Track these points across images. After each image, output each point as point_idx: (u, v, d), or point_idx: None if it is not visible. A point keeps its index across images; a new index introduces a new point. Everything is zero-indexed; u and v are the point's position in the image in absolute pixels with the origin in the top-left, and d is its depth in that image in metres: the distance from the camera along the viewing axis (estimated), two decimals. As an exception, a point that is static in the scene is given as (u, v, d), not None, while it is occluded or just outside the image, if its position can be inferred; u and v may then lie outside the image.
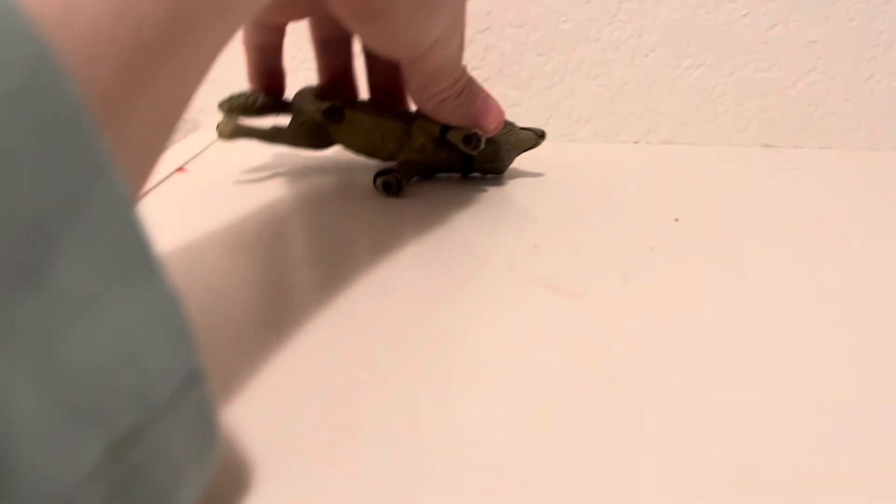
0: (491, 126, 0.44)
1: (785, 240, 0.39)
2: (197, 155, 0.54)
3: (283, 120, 0.50)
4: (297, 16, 0.45)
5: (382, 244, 0.38)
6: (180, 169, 0.50)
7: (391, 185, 0.44)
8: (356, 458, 0.22)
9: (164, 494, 0.14)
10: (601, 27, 0.59)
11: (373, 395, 0.25)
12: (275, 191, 0.47)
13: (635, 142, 0.62)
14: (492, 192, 0.45)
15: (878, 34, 0.58)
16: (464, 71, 0.43)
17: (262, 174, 0.50)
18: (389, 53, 0.38)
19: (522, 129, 0.48)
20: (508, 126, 0.46)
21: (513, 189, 0.47)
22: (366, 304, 0.31)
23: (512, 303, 0.32)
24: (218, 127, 0.47)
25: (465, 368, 0.27)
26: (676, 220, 0.42)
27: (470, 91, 0.43)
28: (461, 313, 0.31)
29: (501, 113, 0.44)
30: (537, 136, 0.48)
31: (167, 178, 0.48)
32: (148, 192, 0.45)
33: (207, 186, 0.47)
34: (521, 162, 0.50)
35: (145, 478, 0.14)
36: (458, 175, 0.48)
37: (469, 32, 0.59)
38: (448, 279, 0.34)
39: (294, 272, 0.36)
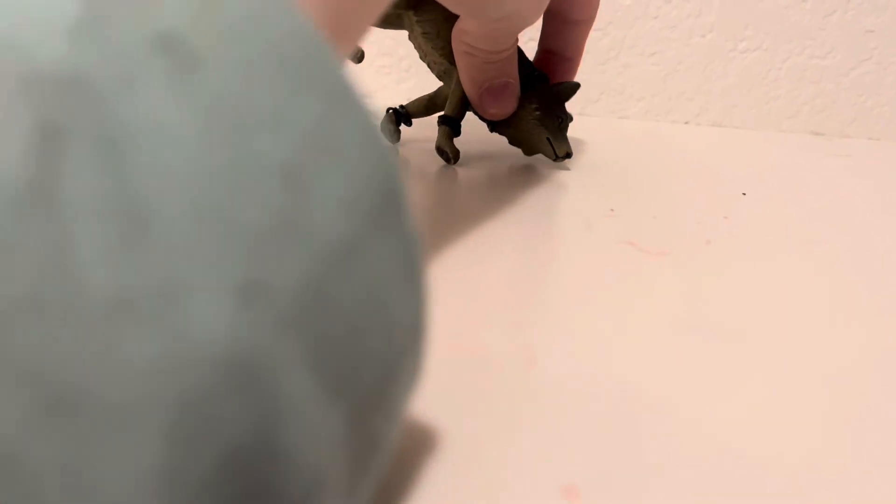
0: (489, 111, 0.41)
1: (845, 218, 0.40)
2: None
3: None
4: None
5: (453, 213, 0.38)
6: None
7: (445, 153, 0.43)
8: (483, 383, 0.22)
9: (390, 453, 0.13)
10: (660, 5, 0.59)
11: (494, 337, 0.25)
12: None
13: (685, 122, 0.62)
14: (549, 165, 0.46)
15: (936, 27, 0.58)
16: (512, 49, 0.39)
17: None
18: (458, 11, 0.35)
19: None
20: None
21: (569, 161, 0.47)
22: (456, 270, 0.31)
23: (599, 258, 0.32)
24: None
25: (571, 316, 0.27)
26: (744, 194, 0.43)
27: (501, 67, 0.39)
28: (555, 268, 0.31)
29: (509, 106, 0.41)
30: (557, 157, 0.43)
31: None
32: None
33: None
34: (574, 133, 0.50)
35: (382, 442, 0.12)
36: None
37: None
38: (531, 240, 0.34)
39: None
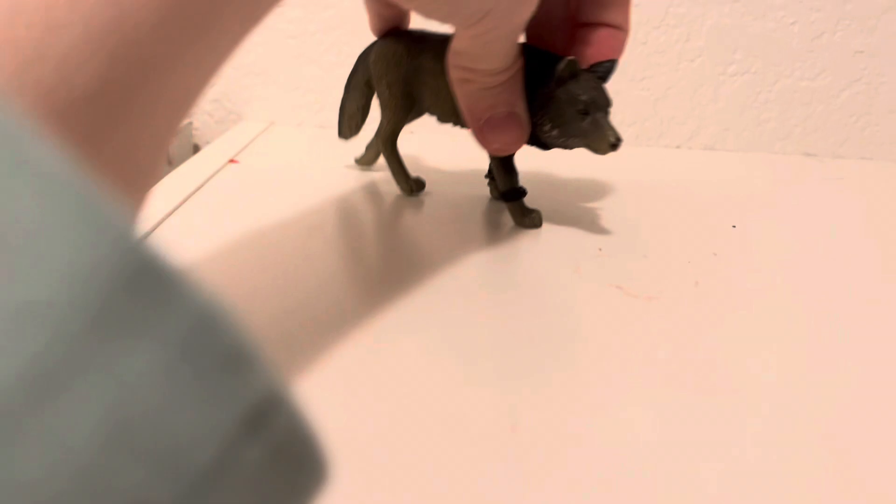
0: (492, 146, 0.38)
1: (838, 248, 0.40)
2: (246, 146, 0.54)
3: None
4: None
5: (433, 248, 0.38)
6: (232, 160, 0.50)
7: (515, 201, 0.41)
8: (458, 451, 0.22)
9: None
10: (648, 31, 0.59)
11: (466, 392, 0.25)
12: (327, 181, 0.47)
13: (677, 146, 0.62)
14: (535, 197, 0.46)
15: (925, 46, 0.58)
16: (513, 69, 0.36)
17: (313, 165, 0.51)
18: (436, 17, 0.32)
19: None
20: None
21: (562, 191, 0.47)
22: (431, 309, 0.31)
23: (587, 304, 0.32)
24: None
25: (555, 373, 0.27)
26: (734, 227, 0.42)
27: (500, 94, 0.36)
28: (540, 312, 0.31)
29: (516, 140, 0.38)
30: (609, 145, 0.36)
31: (220, 169, 0.48)
32: (203, 183, 0.45)
33: (259, 177, 0.47)
34: (566, 163, 0.50)
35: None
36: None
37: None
38: (518, 278, 0.34)
39: (357, 271, 0.36)
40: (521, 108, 0.37)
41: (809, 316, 0.32)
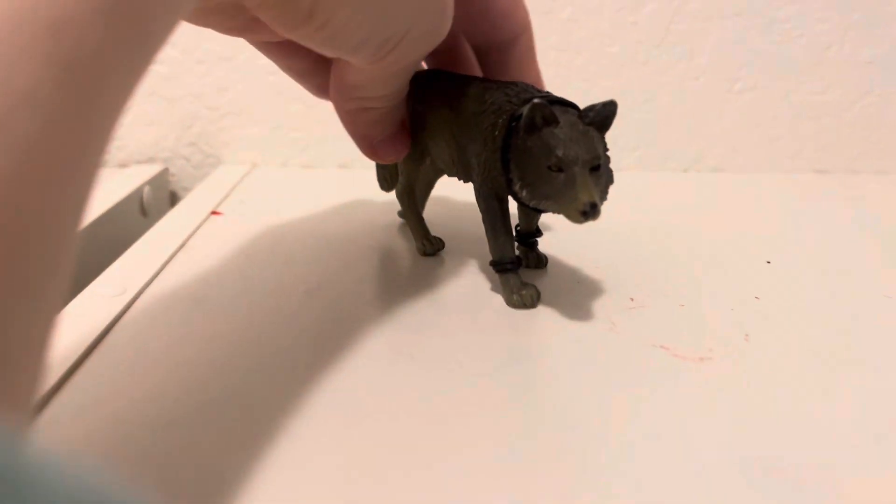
0: (385, 159, 0.37)
1: (883, 277, 0.36)
2: (229, 194, 0.50)
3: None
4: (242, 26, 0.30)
5: (444, 313, 0.35)
6: (215, 212, 0.46)
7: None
8: None
9: None
10: (649, 50, 0.56)
11: (477, 458, 0.21)
12: (321, 231, 0.43)
13: (684, 170, 0.59)
14: (549, 236, 0.42)
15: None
16: (407, 87, 0.35)
17: (302, 211, 0.47)
18: (344, 50, 0.29)
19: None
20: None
21: (569, 228, 0.43)
22: (448, 387, 0.28)
23: (633, 371, 0.28)
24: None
25: (602, 452, 0.23)
26: (768, 262, 0.39)
27: (397, 114, 0.36)
28: (581, 384, 0.27)
29: (405, 147, 0.37)
30: (579, 212, 0.29)
31: (203, 223, 0.44)
32: (186, 240, 0.41)
33: (246, 231, 0.43)
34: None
35: None
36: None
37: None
38: (547, 342, 0.31)
39: (361, 345, 0.32)
40: (405, 120, 0.37)
41: (885, 366, 0.28)
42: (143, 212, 0.53)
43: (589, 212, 0.29)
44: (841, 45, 0.56)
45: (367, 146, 0.36)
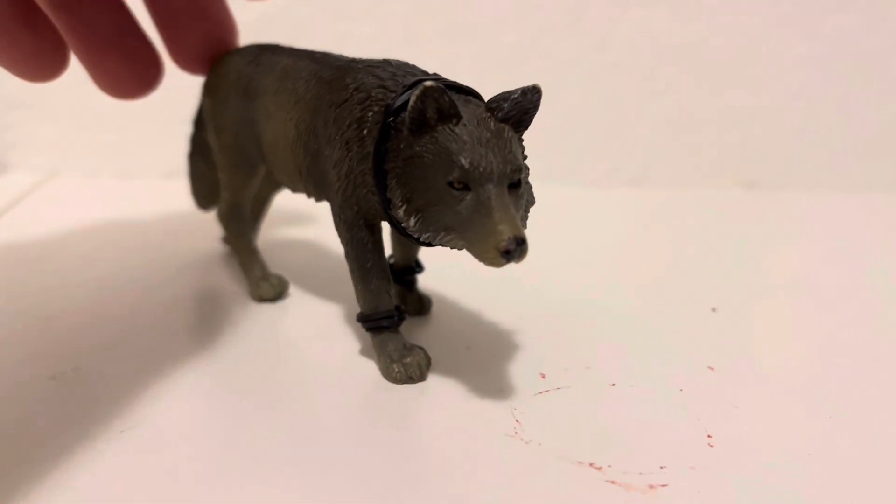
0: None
1: (851, 321, 0.28)
2: (11, 208, 0.37)
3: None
4: None
5: (283, 377, 0.24)
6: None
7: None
8: None
9: None
10: (554, 40, 0.47)
11: None
12: (132, 261, 0.31)
13: (593, 184, 0.50)
14: (433, 281, 0.31)
15: (871, 54, 0.49)
16: None
17: (112, 237, 0.34)
18: None
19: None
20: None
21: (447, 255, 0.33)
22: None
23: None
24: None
25: None
26: (713, 310, 0.30)
27: None
28: None
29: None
30: (499, 252, 0.20)
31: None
32: None
33: (19, 262, 0.31)
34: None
35: None
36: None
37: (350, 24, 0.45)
38: (411, 455, 0.20)
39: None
40: None
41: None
42: None
43: (513, 251, 0.19)
44: (771, 40, 0.48)
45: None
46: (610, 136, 0.49)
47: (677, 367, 0.25)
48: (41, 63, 0.25)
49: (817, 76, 0.49)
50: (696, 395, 0.23)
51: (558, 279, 0.33)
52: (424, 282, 0.29)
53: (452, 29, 0.46)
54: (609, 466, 0.19)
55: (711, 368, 0.25)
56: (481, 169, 0.20)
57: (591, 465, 0.19)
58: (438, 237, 0.21)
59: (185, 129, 0.34)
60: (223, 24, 0.29)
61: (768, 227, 0.43)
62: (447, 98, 0.20)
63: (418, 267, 0.28)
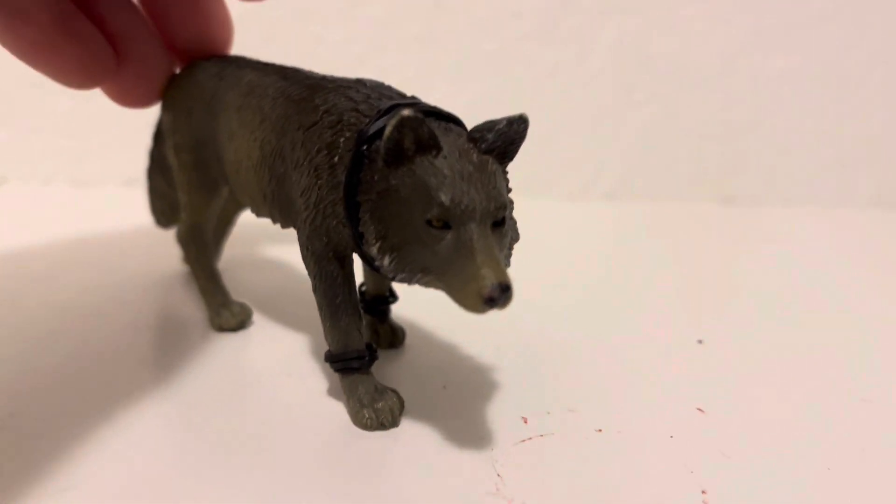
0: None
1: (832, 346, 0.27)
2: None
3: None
4: None
5: (245, 419, 0.22)
6: None
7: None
8: None
9: None
10: (533, 49, 0.45)
11: None
12: (90, 278, 0.29)
13: (569, 197, 0.49)
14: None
15: (850, 68, 0.48)
16: None
17: (69, 248, 0.32)
18: None
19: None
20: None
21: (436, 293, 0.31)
22: None
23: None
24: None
25: None
26: (700, 342, 0.29)
27: None
28: None
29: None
30: (481, 299, 0.18)
31: None
32: None
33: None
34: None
35: None
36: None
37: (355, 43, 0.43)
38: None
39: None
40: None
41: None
42: None
43: (497, 298, 0.18)
44: (749, 53, 0.47)
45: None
46: (588, 149, 0.48)
47: (665, 409, 0.24)
48: (86, 70, 0.25)
49: (796, 90, 0.48)
50: (687, 442, 0.22)
51: (535, 301, 0.31)
52: (397, 310, 0.28)
53: (429, 35, 0.45)
54: (599, 530, 0.18)
55: (701, 410, 0.24)
56: (463, 206, 0.18)
57: (578, 529, 0.18)
58: (415, 278, 0.19)
59: (147, 133, 0.32)
60: (218, 21, 0.28)
61: (747, 243, 0.42)
62: (426, 129, 0.18)
63: (392, 297, 0.27)
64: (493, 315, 0.30)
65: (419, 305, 0.29)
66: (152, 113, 0.32)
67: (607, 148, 0.48)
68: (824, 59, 0.48)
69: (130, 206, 0.40)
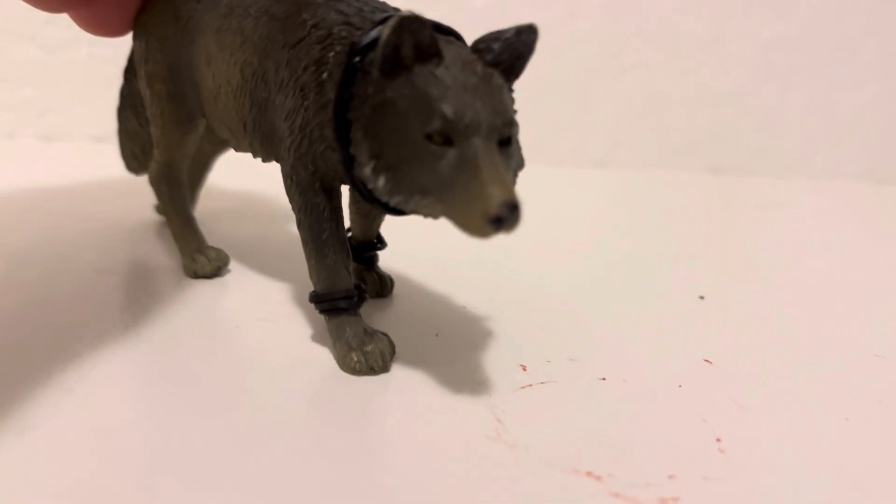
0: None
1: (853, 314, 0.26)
2: None
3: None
4: None
5: (224, 366, 0.20)
6: None
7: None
8: None
9: None
10: (518, 8, 0.44)
11: None
12: (61, 237, 0.27)
13: (558, 164, 0.47)
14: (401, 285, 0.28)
15: (843, 37, 0.47)
16: None
17: (37, 208, 0.30)
18: None
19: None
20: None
21: (410, 226, 0.29)
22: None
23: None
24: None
25: None
26: (702, 297, 0.28)
27: None
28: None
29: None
30: (487, 218, 0.16)
31: None
32: None
33: None
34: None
35: None
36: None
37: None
38: (397, 453, 0.17)
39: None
40: None
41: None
42: None
43: (506, 218, 0.16)
44: (743, 19, 0.46)
45: None
46: (577, 115, 0.47)
47: (671, 360, 0.22)
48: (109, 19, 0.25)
49: (789, 59, 0.47)
50: (697, 391, 0.21)
51: (527, 262, 0.30)
52: (384, 260, 0.26)
53: None
54: (610, 476, 0.16)
55: (708, 361, 0.22)
56: (467, 120, 0.17)
57: (588, 474, 0.17)
58: (412, 201, 0.18)
59: (118, 87, 0.30)
60: None
61: (739, 210, 0.41)
62: (427, 33, 0.17)
63: (380, 243, 0.25)
64: (487, 267, 0.28)
65: (407, 256, 0.27)
66: (123, 65, 0.30)
67: (595, 115, 0.47)
68: (817, 29, 0.47)
69: (99, 161, 0.38)
